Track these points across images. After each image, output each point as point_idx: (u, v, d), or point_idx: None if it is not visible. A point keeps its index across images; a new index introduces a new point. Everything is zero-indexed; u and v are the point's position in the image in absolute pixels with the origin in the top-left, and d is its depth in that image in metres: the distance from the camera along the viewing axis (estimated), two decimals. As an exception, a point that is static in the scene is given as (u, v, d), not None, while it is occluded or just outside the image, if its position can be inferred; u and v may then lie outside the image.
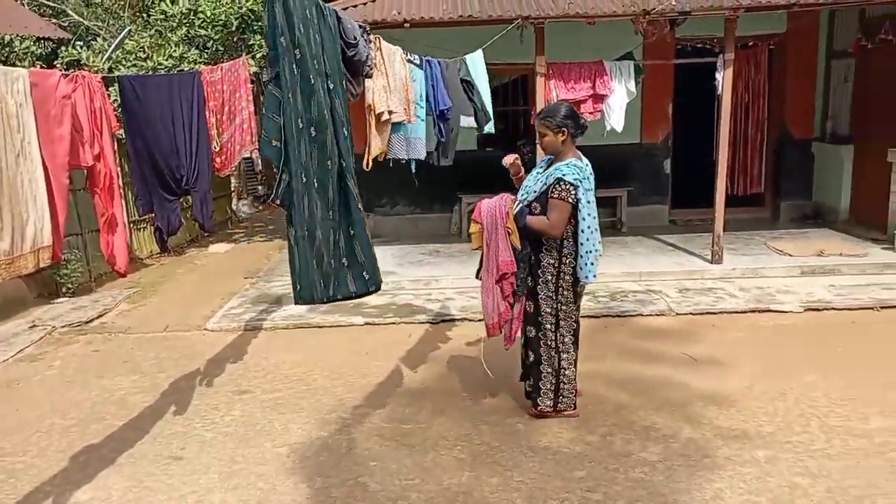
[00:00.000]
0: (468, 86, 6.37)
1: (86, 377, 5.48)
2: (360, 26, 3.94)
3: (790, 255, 7.78)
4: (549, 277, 4.19)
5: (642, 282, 7.35)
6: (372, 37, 4.52)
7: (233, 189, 13.68)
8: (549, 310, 4.24)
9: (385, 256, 8.60)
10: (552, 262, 4.17)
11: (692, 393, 4.76)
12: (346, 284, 3.40)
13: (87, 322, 6.86)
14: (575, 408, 4.44)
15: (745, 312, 6.39)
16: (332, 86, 3.29)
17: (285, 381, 5.21)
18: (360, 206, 3.47)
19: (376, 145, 5.41)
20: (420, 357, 5.59)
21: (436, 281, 7.52)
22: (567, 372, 4.32)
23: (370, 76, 4.40)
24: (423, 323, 6.41)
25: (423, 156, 6.01)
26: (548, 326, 4.27)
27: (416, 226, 9.99)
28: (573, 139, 4.15)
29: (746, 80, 9.50)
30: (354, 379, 5.21)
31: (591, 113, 7.52)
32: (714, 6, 6.89)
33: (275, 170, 3.14)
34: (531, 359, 4.39)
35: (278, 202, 3.10)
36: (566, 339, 4.28)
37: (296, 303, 3.35)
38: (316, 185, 3.09)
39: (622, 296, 6.88)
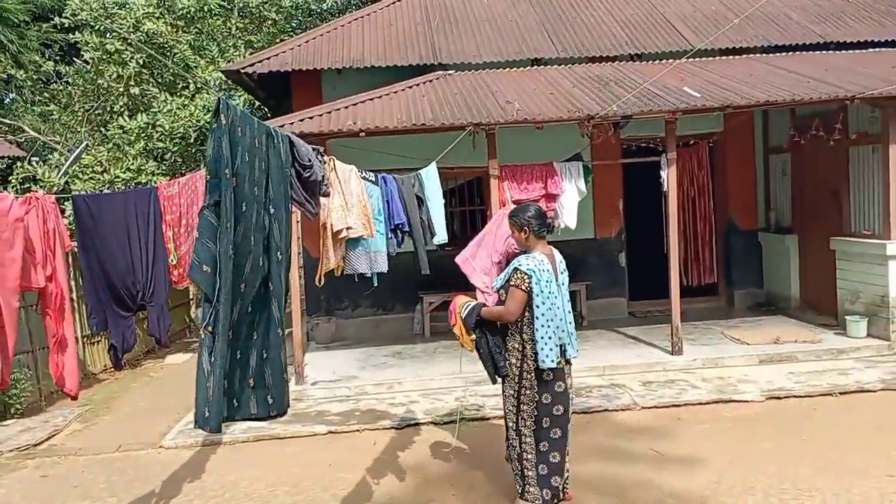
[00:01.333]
0: (419, 202, 6.55)
1: (31, 506, 5.18)
2: (314, 148, 4.05)
3: (748, 344, 7.91)
4: (514, 361, 4.35)
5: (606, 376, 7.36)
6: (325, 158, 4.63)
7: (191, 297, 13.50)
8: (511, 392, 4.37)
9: (348, 360, 8.50)
10: (517, 346, 4.34)
11: (663, 492, 4.70)
12: (248, 406, 3.31)
13: (35, 445, 6.54)
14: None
15: (708, 403, 6.42)
16: (273, 210, 3.34)
17: (244, 500, 5.00)
18: (279, 330, 3.43)
19: (330, 260, 5.46)
20: (386, 466, 5.44)
21: (399, 384, 7.42)
22: (529, 457, 4.31)
23: (327, 195, 4.48)
24: (387, 429, 6.27)
25: (384, 269, 6.09)
26: (509, 408, 4.39)
27: (377, 327, 9.93)
28: (536, 236, 4.40)
29: (691, 176, 9.93)
30: (317, 493, 5.02)
31: (544, 212, 7.72)
32: (653, 110, 7.28)
33: (203, 297, 3.08)
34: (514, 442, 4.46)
35: (210, 329, 3.04)
36: (528, 423, 4.31)
37: (199, 427, 3.19)
38: (231, 306, 3.06)
39: (587, 391, 6.86)
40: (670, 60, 8.82)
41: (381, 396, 7.18)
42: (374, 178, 6.21)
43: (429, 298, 9.49)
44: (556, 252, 4.50)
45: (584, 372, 7.42)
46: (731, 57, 9.32)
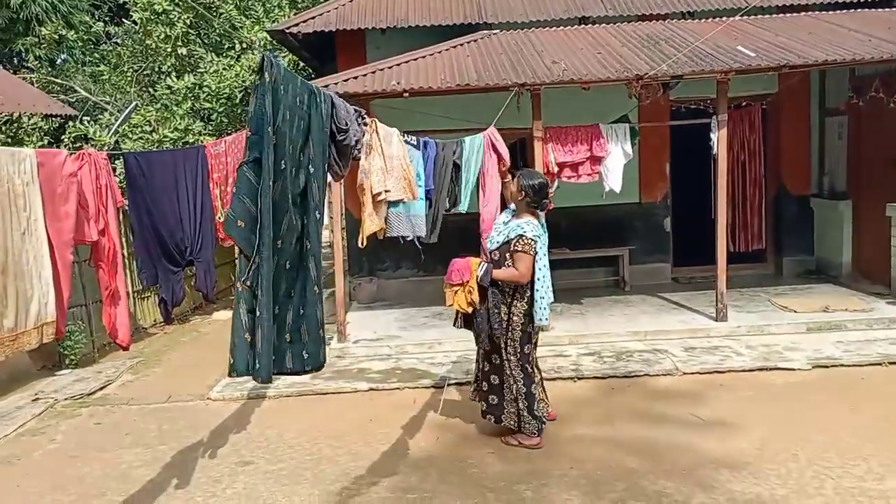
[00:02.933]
0: (455, 169, 6.50)
1: (87, 451, 5.41)
2: (357, 110, 4.04)
3: (795, 312, 7.75)
4: (504, 316, 4.79)
5: (647, 341, 7.31)
6: (368, 120, 4.63)
7: (236, 257, 13.76)
8: (503, 350, 4.84)
9: (389, 320, 8.60)
10: (509, 310, 4.78)
11: (703, 456, 4.68)
12: (284, 360, 3.38)
13: (89, 394, 6.81)
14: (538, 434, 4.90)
15: (752, 371, 6.33)
16: (312, 170, 3.35)
17: (289, 451, 5.14)
18: (317, 288, 3.47)
19: (371, 224, 5.49)
20: (425, 424, 5.52)
21: (439, 344, 7.48)
22: (521, 397, 4.82)
23: (358, 160, 4.48)
24: (427, 388, 6.35)
25: (424, 233, 6.11)
26: (506, 361, 4.86)
27: (418, 288, 9.98)
28: (528, 206, 4.81)
29: (742, 139, 9.64)
30: (359, 447, 5.13)
31: (588, 174, 7.63)
32: (705, 70, 7.06)
33: (243, 251, 3.12)
34: (495, 382, 4.97)
35: (248, 284, 3.09)
36: (516, 371, 4.82)
37: (236, 375, 3.25)
38: (270, 263, 3.10)
39: (627, 355, 6.83)
40: (723, 18, 8.51)
41: (421, 356, 7.26)
42: (415, 142, 6.20)
43: (470, 261, 9.49)
44: (542, 218, 4.91)
45: (625, 336, 7.38)
46: (787, 14, 8.95)
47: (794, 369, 6.29)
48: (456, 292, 4.75)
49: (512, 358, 4.83)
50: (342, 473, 4.72)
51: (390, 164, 5.38)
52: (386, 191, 5.33)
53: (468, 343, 7.39)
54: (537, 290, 4.66)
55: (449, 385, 6.34)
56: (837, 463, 4.46)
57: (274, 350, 3.27)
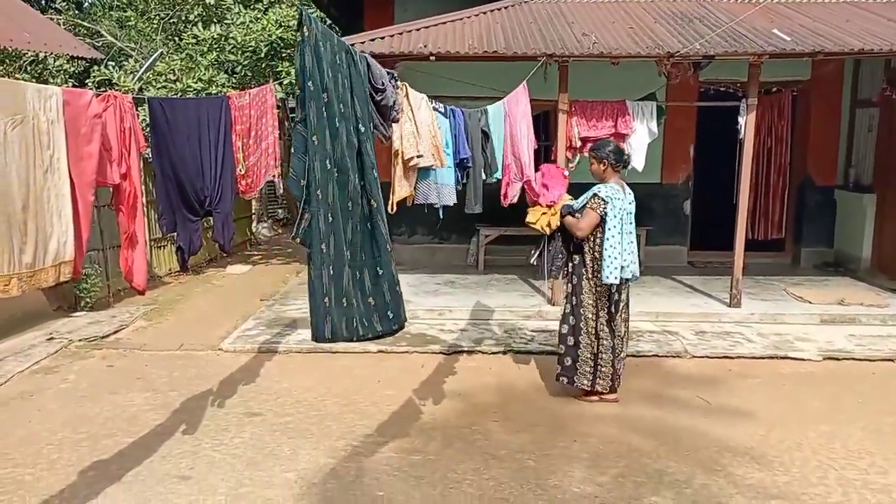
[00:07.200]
0: (484, 136, 6.49)
1: (99, 392, 5.50)
2: (389, 72, 4.01)
3: (810, 303, 7.69)
4: (581, 273, 5.10)
5: (659, 322, 7.29)
6: (399, 83, 4.60)
7: (253, 212, 13.82)
8: (587, 300, 5.09)
9: (402, 284, 8.59)
10: (588, 263, 5.07)
11: (707, 438, 4.68)
12: (373, 324, 3.45)
13: (103, 337, 6.91)
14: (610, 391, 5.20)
15: (762, 358, 6.31)
16: (362, 129, 3.33)
17: (296, 406, 5.20)
18: (389, 246, 3.49)
19: (402, 189, 5.49)
20: (431, 388, 5.56)
21: (450, 311, 7.50)
22: (603, 356, 5.07)
23: (397, 121, 4.47)
24: (436, 353, 6.39)
25: (453, 201, 6.12)
26: (585, 314, 5.10)
27: (433, 255, 10.00)
28: (614, 169, 5.07)
29: (769, 126, 9.50)
30: (365, 407, 5.18)
31: (612, 151, 7.54)
32: (738, 51, 6.92)
33: (298, 208, 3.15)
34: (571, 342, 5.17)
35: (299, 240, 3.12)
36: (586, 329, 5.08)
37: (316, 340, 3.33)
38: (342, 225, 3.11)
39: (638, 336, 6.82)
40: (760, 0, 8.32)
41: (431, 322, 7.28)
42: (443, 110, 6.16)
43: (485, 231, 9.48)
44: (626, 185, 5.09)
45: (637, 317, 7.33)
46: (826, 0, 8.75)
47: (804, 359, 6.26)
48: (543, 214, 5.28)
49: (590, 316, 5.07)
50: (347, 431, 4.77)
51: (421, 130, 5.37)
52: (419, 156, 5.32)
53: (478, 311, 7.44)
54: (606, 250, 4.88)
55: (458, 352, 6.38)
56: (842, 454, 4.45)
57: (363, 316, 3.31)
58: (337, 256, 3.03)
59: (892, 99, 8.26)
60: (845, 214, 9.56)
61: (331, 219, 3.13)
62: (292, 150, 3.10)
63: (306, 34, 2.93)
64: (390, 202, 5.33)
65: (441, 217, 6.28)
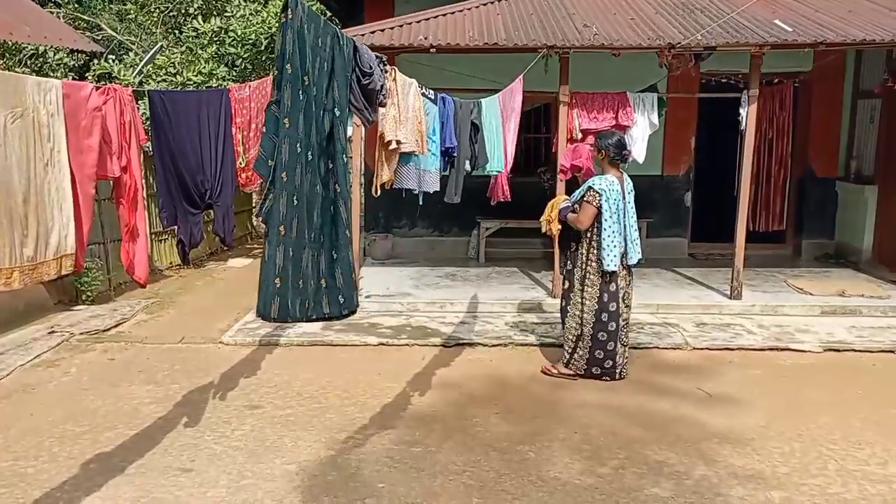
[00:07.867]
0: (474, 129, 6.47)
1: (100, 385, 5.52)
2: (377, 56, 4.00)
3: (811, 294, 7.69)
4: (579, 262, 5.37)
5: (659, 314, 7.30)
6: (388, 68, 4.59)
7: (254, 205, 13.81)
8: (578, 287, 5.39)
9: (402, 277, 8.63)
10: (583, 251, 5.34)
11: (707, 430, 4.69)
12: (321, 305, 3.45)
13: (104, 330, 6.92)
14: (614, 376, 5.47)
15: (762, 350, 6.31)
16: (337, 113, 3.34)
17: (297, 398, 5.22)
18: (348, 231, 3.50)
19: (384, 172, 5.49)
20: (432, 381, 5.57)
21: (450, 304, 7.51)
22: (586, 339, 5.35)
23: (384, 105, 4.46)
24: (436, 346, 6.40)
25: (434, 189, 6.11)
26: (576, 300, 5.41)
27: (433, 248, 10.01)
28: (611, 163, 5.29)
29: (770, 117, 9.47)
30: (366, 399, 5.20)
31: (613, 143, 7.54)
32: (739, 42, 6.90)
33: (267, 191, 3.14)
34: (566, 324, 5.51)
35: (261, 220, 3.14)
36: (588, 316, 5.34)
37: (262, 317, 3.35)
38: (307, 208, 3.12)
39: (638, 327, 6.82)
40: (762, -10, 8.29)
41: (432, 314, 7.29)
42: (433, 97, 6.13)
43: (485, 224, 9.48)
44: (626, 176, 5.34)
45: (637, 308, 7.30)
46: (828, -10, 8.71)
47: (804, 351, 6.27)
48: (551, 220, 5.57)
49: (588, 303, 5.33)
50: (348, 423, 4.78)
51: (404, 115, 5.36)
52: (398, 141, 5.32)
53: (479, 304, 7.45)
54: (604, 240, 5.15)
55: (459, 345, 6.39)
56: (842, 445, 4.46)
57: (311, 296, 3.31)
58: (298, 238, 3.04)
59: (893, 90, 8.22)
60: (846, 206, 9.55)
61: (295, 201, 3.14)
62: (263, 131, 3.09)
63: (290, 17, 2.93)
64: (374, 185, 5.34)
65: (422, 203, 6.29)
